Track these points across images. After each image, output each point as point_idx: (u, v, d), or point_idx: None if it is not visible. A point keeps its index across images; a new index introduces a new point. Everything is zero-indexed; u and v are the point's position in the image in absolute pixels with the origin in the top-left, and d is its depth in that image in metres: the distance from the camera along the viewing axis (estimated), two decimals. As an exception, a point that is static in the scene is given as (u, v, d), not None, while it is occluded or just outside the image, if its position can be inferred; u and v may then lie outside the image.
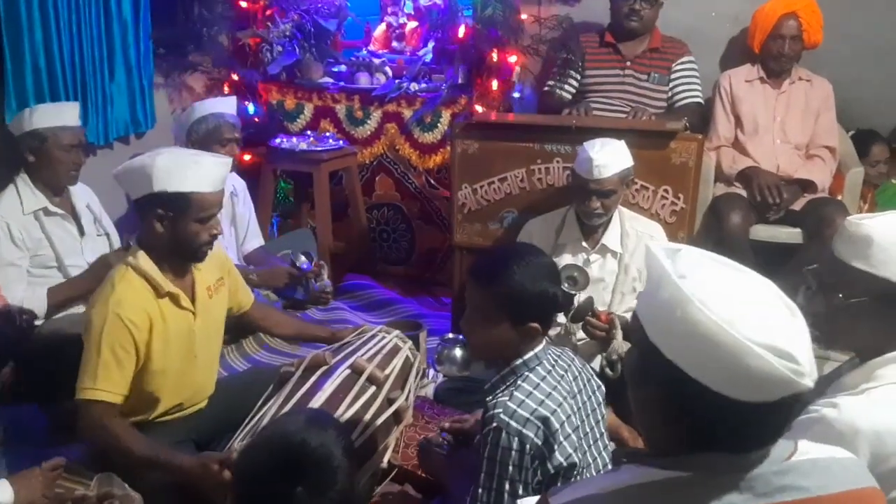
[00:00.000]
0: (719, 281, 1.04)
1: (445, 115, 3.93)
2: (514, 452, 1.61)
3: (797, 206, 3.44)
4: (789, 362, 0.97)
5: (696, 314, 0.99)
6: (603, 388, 1.89)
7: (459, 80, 3.92)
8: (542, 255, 1.84)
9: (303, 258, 3.31)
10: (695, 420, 1.05)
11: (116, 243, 3.05)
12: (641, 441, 1.91)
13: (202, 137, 3.22)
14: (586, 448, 1.74)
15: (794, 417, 1.10)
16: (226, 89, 4.16)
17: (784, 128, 3.61)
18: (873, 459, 1.37)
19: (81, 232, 2.91)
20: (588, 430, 1.79)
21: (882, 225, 1.49)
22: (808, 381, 0.98)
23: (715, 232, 3.44)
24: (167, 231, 2.11)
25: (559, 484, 1.62)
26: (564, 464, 1.63)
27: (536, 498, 1.57)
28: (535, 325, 1.73)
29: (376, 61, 4.21)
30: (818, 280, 1.59)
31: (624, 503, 1.07)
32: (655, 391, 1.09)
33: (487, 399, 1.74)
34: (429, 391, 2.91)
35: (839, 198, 3.53)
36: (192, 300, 2.23)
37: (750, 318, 0.98)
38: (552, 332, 2.56)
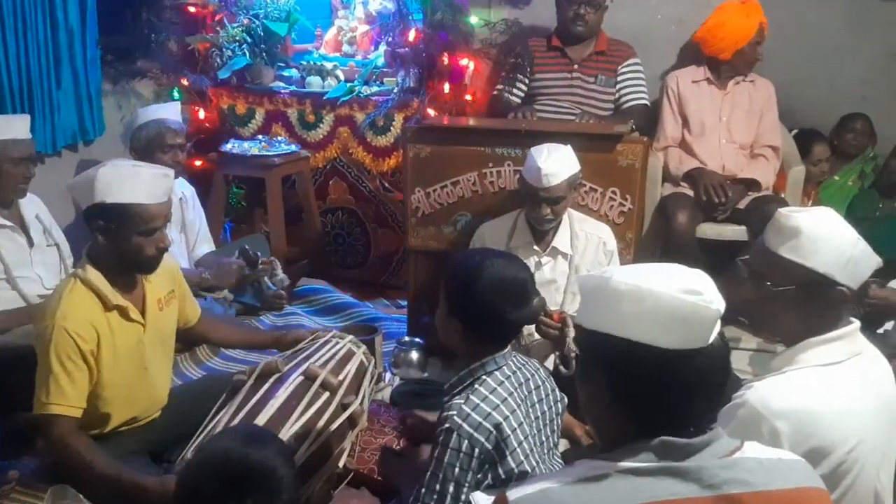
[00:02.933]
0: (632, 267, 1.22)
1: (398, 119, 3.94)
2: (462, 455, 1.64)
3: (742, 204, 3.53)
4: (695, 295, 1.11)
5: (617, 286, 1.15)
6: (565, 400, 1.92)
7: (411, 84, 3.95)
8: (509, 268, 1.79)
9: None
10: (637, 390, 1.13)
11: (67, 253, 3.01)
12: (594, 440, 1.96)
13: (144, 144, 3.20)
14: (540, 457, 1.77)
15: (724, 385, 1.18)
16: (175, 95, 4.12)
17: (729, 127, 3.70)
18: (794, 439, 1.44)
19: (30, 243, 2.87)
20: (544, 439, 1.82)
21: (811, 218, 1.58)
22: (717, 306, 1.12)
23: (663, 231, 3.52)
24: (110, 243, 2.10)
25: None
26: (516, 470, 1.66)
27: (491, 498, 1.61)
28: (457, 321, 1.76)
29: (327, 65, 4.21)
30: (749, 269, 1.68)
31: (576, 495, 1.11)
32: (599, 372, 1.17)
33: (444, 400, 1.76)
34: (385, 395, 2.93)
35: (782, 195, 3.63)
36: (143, 312, 2.22)
37: (660, 278, 1.14)
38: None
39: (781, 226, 1.59)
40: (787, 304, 1.59)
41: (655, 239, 3.54)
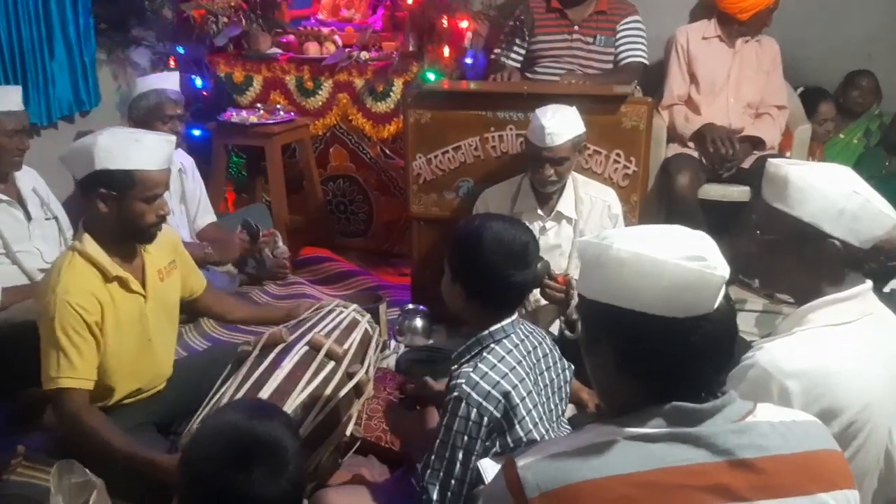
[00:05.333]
0: (633, 232, 1.18)
1: (398, 84, 3.88)
2: (471, 423, 1.63)
3: (746, 164, 3.49)
4: (699, 262, 1.08)
5: (617, 254, 1.12)
6: (572, 367, 1.91)
7: (410, 48, 3.89)
8: (510, 230, 1.75)
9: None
10: (644, 360, 1.11)
11: (66, 225, 2.99)
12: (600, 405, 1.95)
13: (143, 114, 3.15)
14: (549, 425, 1.76)
15: (732, 349, 1.16)
16: (171, 63, 4.07)
17: (738, 86, 3.65)
18: (805, 399, 1.42)
19: (28, 217, 2.85)
20: (552, 406, 1.82)
21: (801, 167, 1.55)
22: (721, 272, 1.09)
23: (666, 193, 3.49)
24: (112, 211, 2.07)
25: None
26: (524, 438, 1.66)
27: (498, 466, 1.60)
28: (459, 286, 1.74)
29: (325, 30, 4.15)
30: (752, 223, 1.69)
31: (586, 461, 1.10)
32: (604, 342, 1.16)
33: (452, 368, 1.75)
34: (390, 362, 2.93)
35: (787, 154, 3.60)
36: (143, 283, 2.20)
37: (660, 244, 1.11)
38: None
39: (772, 175, 1.58)
40: (780, 256, 1.59)
41: (660, 200, 3.51)
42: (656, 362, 1.11)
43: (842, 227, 1.51)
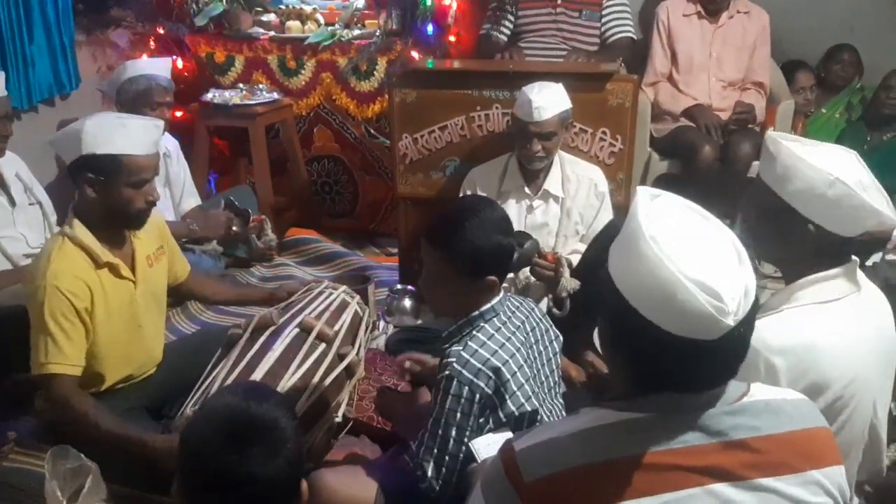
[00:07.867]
0: (680, 223, 1.09)
1: (381, 63, 3.86)
2: (463, 401, 1.66)
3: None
4: (714, 299, 1.01)
5: (644, 248, 1.04)
6: (561, 337, 1.93)
7: (394, 26, 3.86)
8: (493, 207, 1.84)
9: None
10: (639, 353, 1.10)
11: (50, 210, 2.96)
12: (586, 378, 1.99)
13: (131, 99, 3.12)
14: (542, 398, 1.79)
15: (740, 359, 1.12)
16: (152, 44, 4.02)
17: (720, 64, 3.66)
18: (791, 375, 1.44)
19: (12, 202, 2.82)
20: (543, 378, 1.84)
21: (792, 146, 1.53)
22: (730, 321, 1.02)
23: (675, 167, 3.52)
24: (100, 196, 2.06)
25: (512, 429, 1.69)
26: (516, 413, 1.69)
27: (496, 437, 1.62)
28: (493, 277, 1.75)
29: (307, 9, 4.11)
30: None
31: (583, 445, 1.11)
32: (607, 322, 1.15)
33: (444, 347, 1.77)
34: (380, 343, 2.94)
35: (771, 129, 3.61)
36: (132, 269, 2.19)
37: (691, 257, 1.03)
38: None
39: (765, 149, 1.58)
40: (763, 230, 1.62)
41: (663, 176, 3.53)
42: (650, 361, 1.10)
43: (817, 213, 1.51)
